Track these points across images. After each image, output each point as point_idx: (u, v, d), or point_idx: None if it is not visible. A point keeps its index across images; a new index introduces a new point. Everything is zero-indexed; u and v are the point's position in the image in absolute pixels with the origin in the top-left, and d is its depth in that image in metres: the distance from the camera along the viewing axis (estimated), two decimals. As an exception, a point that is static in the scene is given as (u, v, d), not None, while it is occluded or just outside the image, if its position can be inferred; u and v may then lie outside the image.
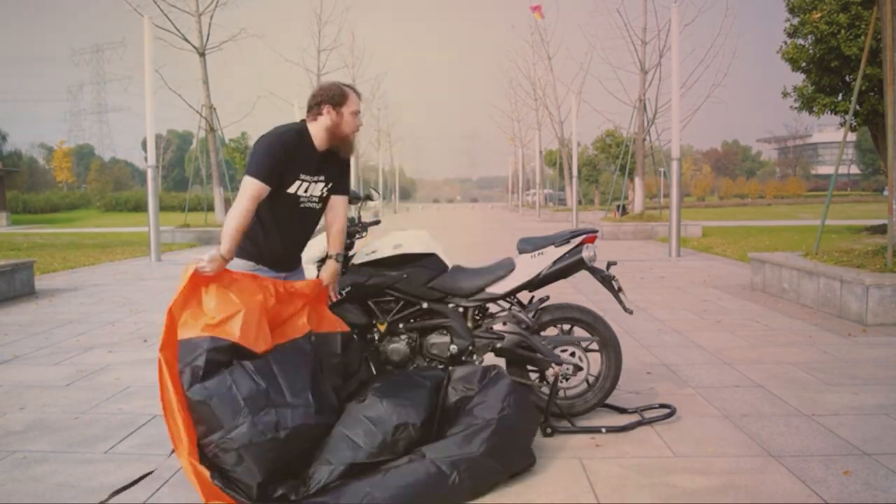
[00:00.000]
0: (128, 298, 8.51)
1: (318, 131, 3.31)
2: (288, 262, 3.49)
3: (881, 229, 15.11)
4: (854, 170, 72.87)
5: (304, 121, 3.36)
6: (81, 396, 4.42)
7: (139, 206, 42.62)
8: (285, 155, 3.19)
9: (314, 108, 3.31)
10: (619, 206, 22.86)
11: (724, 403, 4.16)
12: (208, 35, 20.03)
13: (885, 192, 14.41)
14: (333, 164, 3.42)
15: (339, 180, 3.48)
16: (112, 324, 6.88)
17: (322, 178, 3.37)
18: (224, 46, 20.86)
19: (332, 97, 3.29)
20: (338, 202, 3.53)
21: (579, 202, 32.24)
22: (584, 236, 3.90)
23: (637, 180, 22.92)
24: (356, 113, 3.35)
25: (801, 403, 4.14)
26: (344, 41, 48.49)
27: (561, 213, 34.25)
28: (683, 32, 19.02)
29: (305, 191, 3.34)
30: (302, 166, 3.27)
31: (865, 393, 4.34)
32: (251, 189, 3.13)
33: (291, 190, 3.29)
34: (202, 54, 19.96)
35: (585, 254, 3.84)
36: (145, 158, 16.74)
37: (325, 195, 3.44)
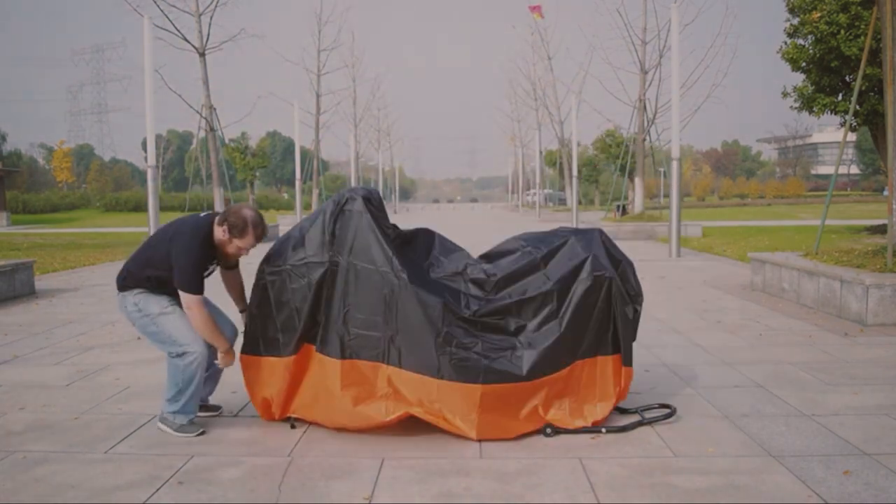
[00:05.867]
0: (128, 298, 8.50)
1: (216, 235, 3.65)
2: None
3: (881, 229, 15.13)
4: (854, 170, 72.87)
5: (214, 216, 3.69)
6: (81, 396, 4.42)
7: (139, 206, 42.55)
8: (205, 260, 3.63)
9: (222, 218, 3.64)
10: (619, 207, 22.87)
11: (724, 403, 4.16)
12: (208, 35, 20.07)
13: (885, 192, 14.42)
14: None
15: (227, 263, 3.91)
16: (112, 324, 6.87)
17: (215, 263, 3.79)
18: (224, 46, 20.91)
19: (235, 226, 3.58)
20: (232, 273, 4.00)
21: (579, 202, 32.21)
22: None
23: (637, 180, 22.92)
24: (243, 248, 3.66)
25: (801, 403, 4.15)
26: (344, 41, 48.58)
27: (561, 213, 34.27)
28: (683, 32, 19.02)
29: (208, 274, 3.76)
30: (210, 260, 3.69)
31: (865, 393, 4.34)
32: (198, 302, 3.55)
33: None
34: (202, 54, 19.96)
35: None
36: (145, 158, 16.74)
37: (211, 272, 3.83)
